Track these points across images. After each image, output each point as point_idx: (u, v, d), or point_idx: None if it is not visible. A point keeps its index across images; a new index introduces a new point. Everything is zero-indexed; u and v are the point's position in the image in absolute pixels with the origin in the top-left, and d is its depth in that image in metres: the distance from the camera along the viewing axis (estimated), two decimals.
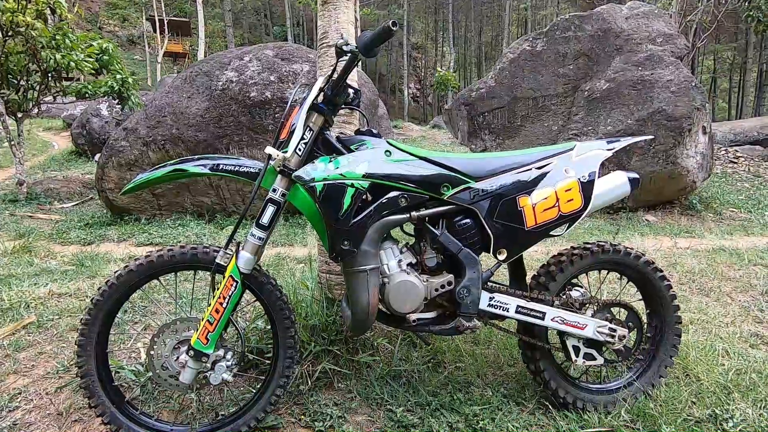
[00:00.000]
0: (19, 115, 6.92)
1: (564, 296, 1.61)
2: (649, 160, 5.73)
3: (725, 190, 8.16)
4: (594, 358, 1.59)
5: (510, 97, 6.95)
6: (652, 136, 1.74)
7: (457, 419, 1.56)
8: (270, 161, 1.39)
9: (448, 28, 32.11)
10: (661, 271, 1.65)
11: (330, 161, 1.37)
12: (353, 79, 1.91)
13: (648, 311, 1.72)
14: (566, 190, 1.50)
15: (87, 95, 7.30)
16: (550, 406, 1.62)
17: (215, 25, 30.41)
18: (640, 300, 1.73)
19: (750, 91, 27.26)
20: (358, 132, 1.53)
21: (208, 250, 1.44)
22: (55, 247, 4.24)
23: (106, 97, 7.64)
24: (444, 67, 30.22)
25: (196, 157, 1.44)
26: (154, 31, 27.44)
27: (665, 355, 1.67)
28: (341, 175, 1.35)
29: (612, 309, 1.63)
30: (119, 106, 7.91)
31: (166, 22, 26.46)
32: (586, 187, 1.51)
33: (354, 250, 1.37)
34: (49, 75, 6.59)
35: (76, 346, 1.37)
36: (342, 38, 1.32)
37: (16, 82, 6.57)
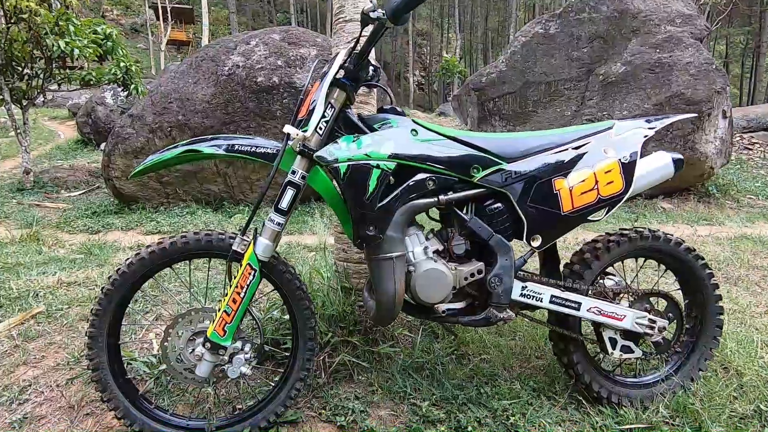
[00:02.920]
0: (24, 103, 6.86)
1: (597, 285, 1.52)
2: (667, 146, 5.57)
3: (741, 176, 7.98)
4: (631, 351, 1.50)
5: (522, 81, 6.77)
6: (696, 114, 1.62)
7: (485, 414, 1.48)
8: (288, 141, 1.30)
9: (454, 13, 31.54)
10: (703, 258, 1.55)
11: (354, 140, 1.27)
12: (372, 56, 1.81)
13: (687, 301, 1.62)
14: (606, 172, 1.40)
15: (91, 83, 7.21)
16: (584, 401, 1.54)
17: (219, 12, 30.06)
18: (677, 289, 1.64)
19: (763, 76, 26.65)
20: (380, 110, 1.43)
21: (223, 236, 1.36)
22: (63, 235, 4.19)
23: (110, 85, 7.54)
24: (449, 54, 29.76)
25: (210, 137, 1.34)
26: (157, 19, 27.17)
27: (705, 347, 1.58)
28: (366, 155, 1.25)
29: (650, 299, 1.53)
30: (124, 93, 7.83)
31: (169, 9, 26.18)
32: (628, 168, 1.41)
33: (380, 236, 1.28)
34: (54, 62, 6.50)
35: (86, 338, 1.30)
36: (371, 2, 1.21)
37: (20, 69, 6.49)
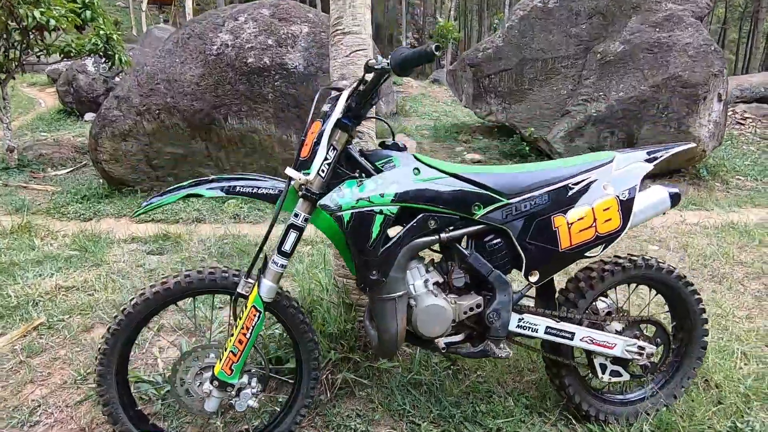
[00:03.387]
0: (2, 77, 6.57)
1: (590, 309, 1.58)
2: (661, 129, 5.58)
3: (732, 154, 8.05)
4: (620, 375, 1.58)
5: (518, 58, 6.63)
6: (695, 144, 1.62)
7: None
8: (291, 182, 1.29)
9: None
10: (693, 285, 1.60)
11: (356, 185, 1.27)
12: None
13: (674, 323, 1.69)
14: (605, 209, 1.42)
15: (72, 54, 6.91)
16: (573, 419, 1.63)
17: None
18: (666, 312, 1.70)
19: (760, 42, 26.30)
20: (383, 145, 1.41)
21: (226, 274, 1.37)
22: (55, 223, 4.15)
23: (91, 56, 7.23)
24: (443, 15, 28.77)
25: (211, 178, 1.33)
26: None
27: (689, 367, 1.66)
28: (369, 201, 1.25)
29: (640, 326, 1.59)
30: (107, 65, 7.51)
31: None
32: (626, 205, 1.43)
33: (383, 279, 1.30)
34: (29, 33, 6.19)
35: (96, 376, 1.33)
36: (373, 59, 1.18)
37: None
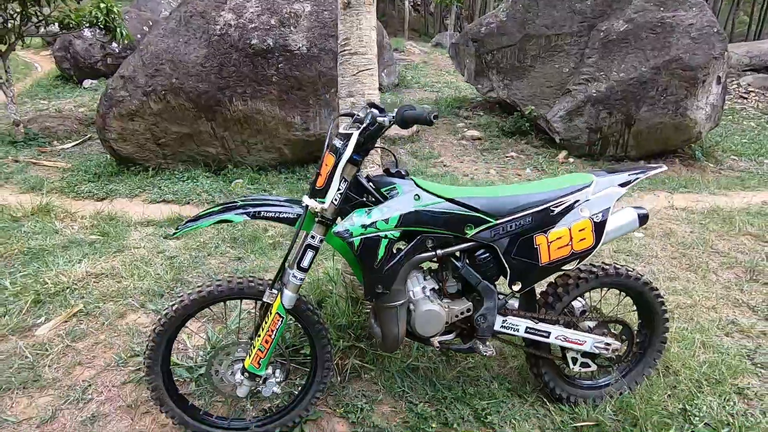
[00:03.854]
0: (2, 48, 6.55)
1: (566, 309, 1.82)
2: (658, 111, 5.67)
3: (731, 130, 8.13)
4: (588, 366, 1.84)
5: (521, 34, 6.60)
6: (665, 168, 1.79)
7: (468, 412, 1.85)
8: (308, 209, 1.49)
9: None
10: (657, 290, 1.84)
11: (365, 213, 1.47)
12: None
13: (640, 321, 1.93)
14: (580, 230, 1.63)
15: (71, 26, 6.85)
16: (547, 400, 1.91)
17: None
18: (633, 310, 1.95)
19: None
20: (387, 172, 1.60)
21: (252, 283, 1.60)
22: (70, 203, 4.34)
23: (91, 28, 7.17)
24: None
25: (240, 203, 1.52)
26: None
27: (651, 358, 1.92)
28: (376, 228, 1.46)
29: (609, 324, 1.84)
30: (106, 38, 7.45)
31: None
32: (599, 227, 1.63)
33: (387, 291, 1.53)
34: (28, 3, 6.13)
35: (145, 368, 1.59)
36: (386, 116, 1.36)
37: None
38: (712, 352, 2.20)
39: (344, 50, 1.97)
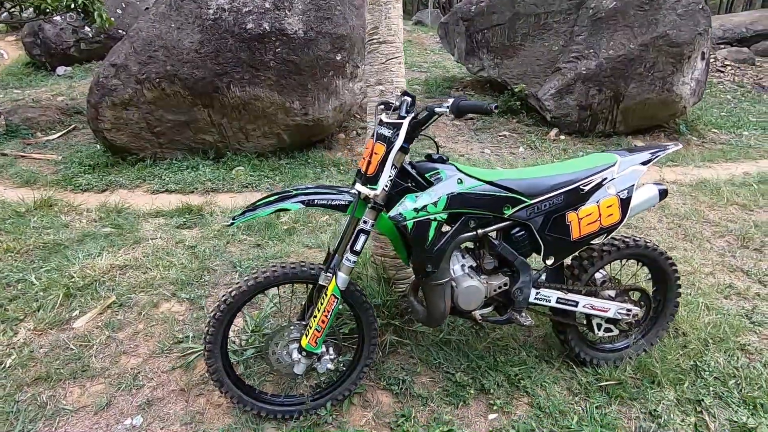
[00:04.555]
0: None
1: (591, 281, 1.96)
2: (646, 87, 5.85)
3: (710, 103, 8.41)
4: (611, 330, 2.01)
5: (511, 12, 6.64)
6: (681, 146, 1.92)
7: (502, 378, 2.00)
8: (360, 196, 1.58)
9: None
10: (671, 258, 2.00)
11: (416, 199, 1.56)
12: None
13: (655, 288, 2.10)
14: (608, 206, 1.76)
15: (47, 11, 6.57)
16: (573, 364, 2.07)
17: None
18: (648, 278, 2.11)
19: None
20: (429, 158, 1.68)
21: (305, 267, 1.68)
22: (72, 197, 4.29)
23: (69, 14, 6.88)
24: None
25: (293, 192, 1.59)
26: None
27: (664, 321, 2.10)
28: (426, 211, 1.55)
29: (629, 292, 2.00)
30: (85, 22, 7.17)
31: None
32: (625, 203, 1.76)
33: (435, 270, 1.63)
34: None
35: (205, 351, 1.67)
36: (441, 106, 1.44)
37: None
38: (715, 313, 2.40)
39: (373, 39, 2.02)
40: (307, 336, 1.67)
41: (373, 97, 2.08)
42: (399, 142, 1.50)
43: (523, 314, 1.81)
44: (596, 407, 1.87)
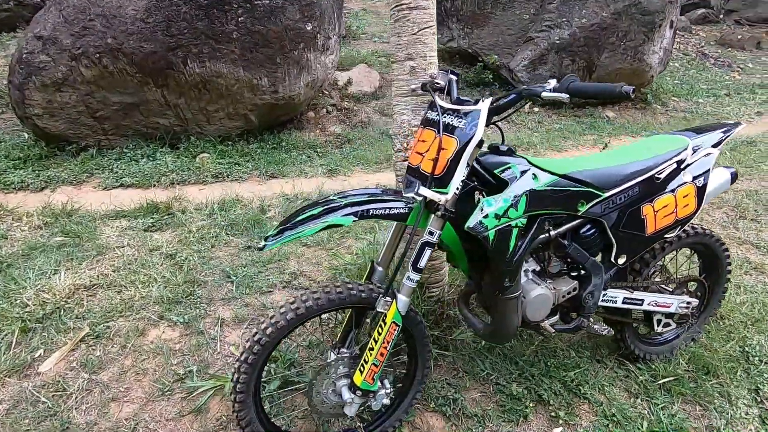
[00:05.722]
0: None
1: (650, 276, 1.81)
2: (618, 57, 5.84)
3: (672, 69, 8.67)
4: (669, 325, 1.88)
5: None
6: (743, 124, 1.79)
7: (558, 386, 1.83)
8: (424, 201, 1.28)
9: None
10: (725, 243, 1.89)
11: (493, 203, 1.29)
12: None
13: (704, 275, 2.00)
14: (684, 196, 1.58)
15: None
16: (626, 361, 1.94)
17: None
18: (696, 266, 2.00)
19: None
20: (495, 150, 1.41)
21: (353, 289, 1.38)
22: (1, 197, 3.60)
23: None
24: None
25: (340, 201, 1.27)
26: None
27: (712, 308, 2.01)
28: (508, 217, 1.29)
29: (687, 284, 1.87)
30: None
31: None
32: (701, 191, 1.60)
33: (512, 284, 1.39)
34: None
35: (235, 404, 1.34)
36: (545, 89, 1.13)
37: None
38: (744, 292, 2.36)
39: (401, 4, 1.68)
40: (362, 372, 1.38)
41: (402, 75, 1.75)
42: (479, 135, 1.21)
43: (600, 323, 1.63)
44: (661, 408, 1.75)
